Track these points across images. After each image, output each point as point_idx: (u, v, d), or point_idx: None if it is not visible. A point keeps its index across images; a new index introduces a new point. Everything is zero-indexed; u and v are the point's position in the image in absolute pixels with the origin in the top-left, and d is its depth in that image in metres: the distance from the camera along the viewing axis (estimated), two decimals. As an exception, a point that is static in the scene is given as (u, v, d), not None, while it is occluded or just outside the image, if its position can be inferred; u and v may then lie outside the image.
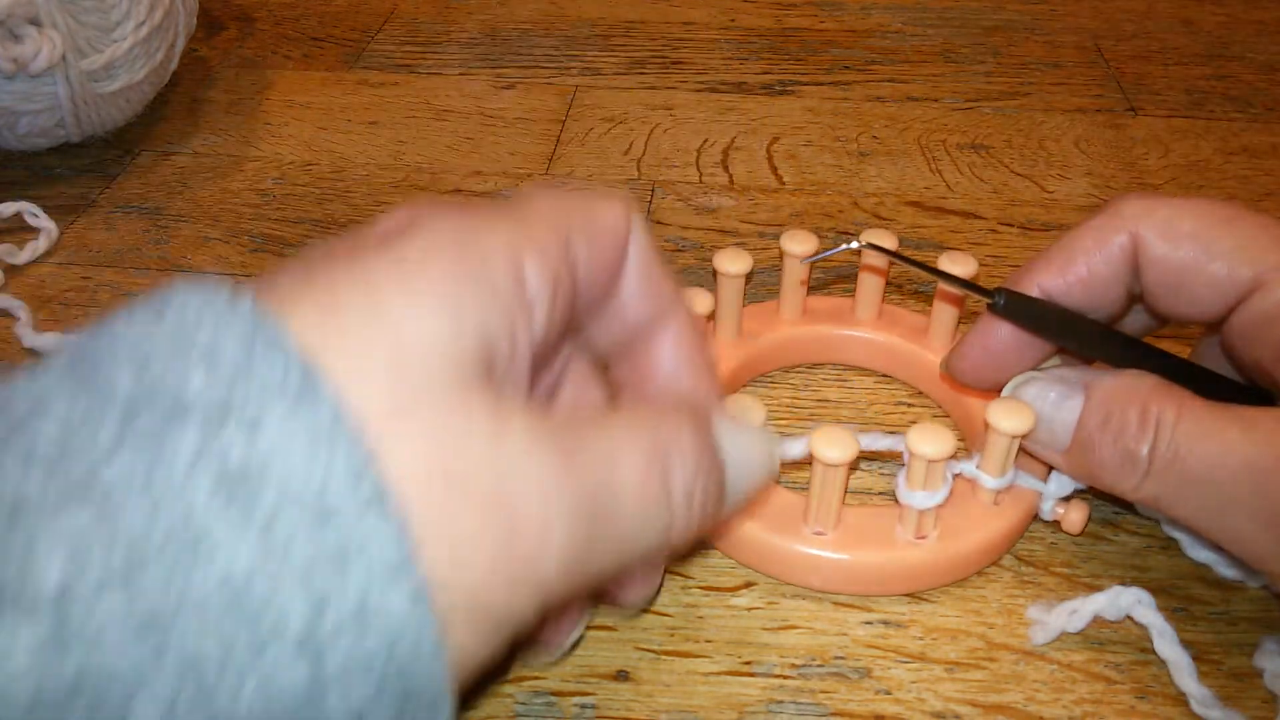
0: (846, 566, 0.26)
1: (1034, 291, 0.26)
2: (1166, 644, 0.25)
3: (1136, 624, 0.26)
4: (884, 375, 0.33)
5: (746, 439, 0.23)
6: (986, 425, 0.25)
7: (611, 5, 0.56)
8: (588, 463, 0.19)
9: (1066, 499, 0.27)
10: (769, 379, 0.33)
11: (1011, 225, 0.40)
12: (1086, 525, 0.27)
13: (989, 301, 0.25)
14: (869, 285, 0.32)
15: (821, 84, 0.49)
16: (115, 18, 0.41)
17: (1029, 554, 0.28)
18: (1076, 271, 0.26)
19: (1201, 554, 0.27)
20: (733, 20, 0.55)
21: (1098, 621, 0.26)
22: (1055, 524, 0.28)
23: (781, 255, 0.31)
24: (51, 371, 0.16)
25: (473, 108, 0.48)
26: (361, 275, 0.18)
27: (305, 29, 0.54)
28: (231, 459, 0.15)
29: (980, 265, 0.37)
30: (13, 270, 0.38)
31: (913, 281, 0.37)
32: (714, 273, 0.31)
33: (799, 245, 0.31)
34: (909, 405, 0.32)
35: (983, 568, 0.27)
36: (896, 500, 0.26)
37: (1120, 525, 0.28)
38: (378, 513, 0.16)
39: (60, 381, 0.16)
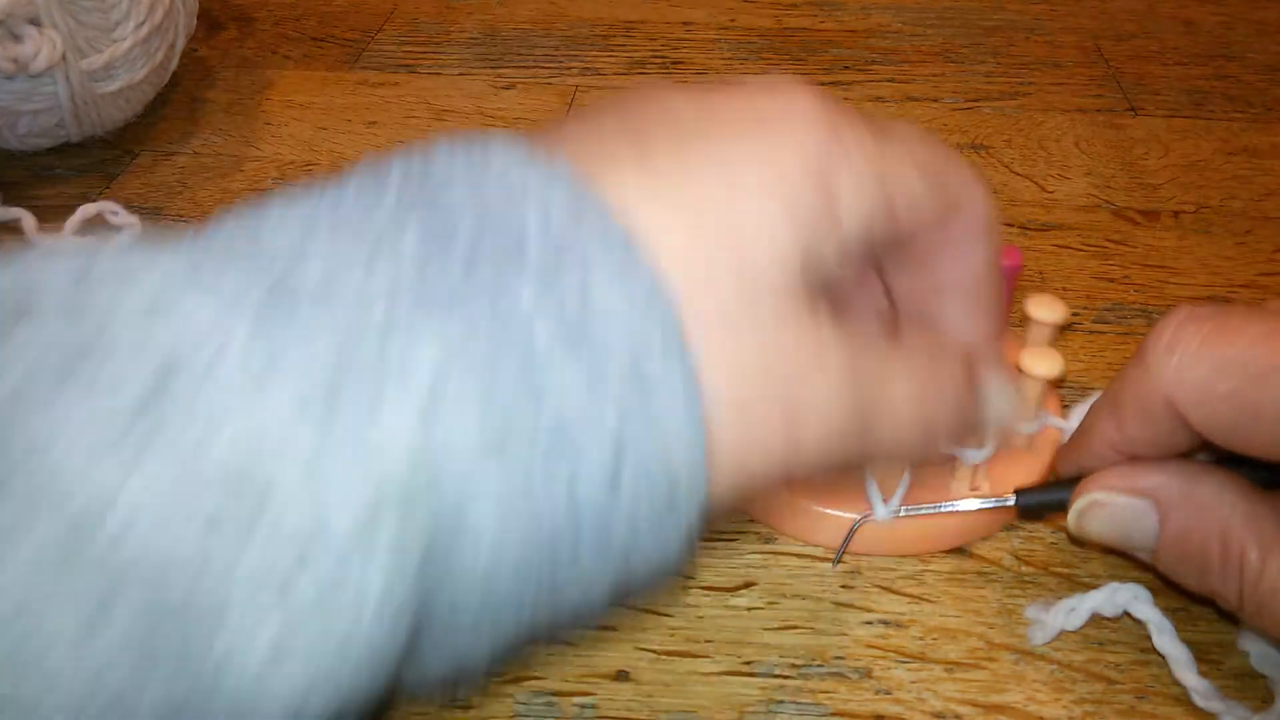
0: (909, 525, 0.27)
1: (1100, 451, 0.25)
2: (1165, 639, 0.25)
3: (1136, 624, 0.25)
4: None
5: (1000, 386, 0.24)
6: (1019, 370, 0.27)
7: (611, 5, 0.56)
8: (865, 394, 0.20)
9: None
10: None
11: (1012, 225, 0.40)
12: None
13: (1014, 493, 0.26)
14: None
15: (821, 84, 0.49)
16: (115, 17, 0.41)
17: (1029, 554, 0.28)
18: (1129, 443, 0.24)
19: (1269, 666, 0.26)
20: (732, 20, 0.55)
21: (1098, 622, 0.26)
22: (1055, 524, 0.28)
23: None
24: (390, 196, 0.18)
25: (473, 108, 0.48)
26: (723, 164, 0.19)
27: (305, 29, 0.54)
28: (566, 307, 0.17)
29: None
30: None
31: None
32: None
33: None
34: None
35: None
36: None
37: (1120, 525, 0.28)
38: (681, 379, 0.18)
39: (401, 205, 0.18)
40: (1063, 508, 0.25)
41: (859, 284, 0.25)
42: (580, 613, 0.20)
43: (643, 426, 0.18)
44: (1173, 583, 0.24)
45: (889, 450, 0.22)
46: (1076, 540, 0.26)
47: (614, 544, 0.18)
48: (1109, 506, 0.24)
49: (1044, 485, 0.27)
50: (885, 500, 0.27)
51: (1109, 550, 0.26)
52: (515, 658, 0.22)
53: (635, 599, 0.23)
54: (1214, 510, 0.22)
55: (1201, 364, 0.22)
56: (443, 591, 0.17)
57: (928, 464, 0.27)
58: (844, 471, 0.25)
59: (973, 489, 0.27)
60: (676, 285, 0.18)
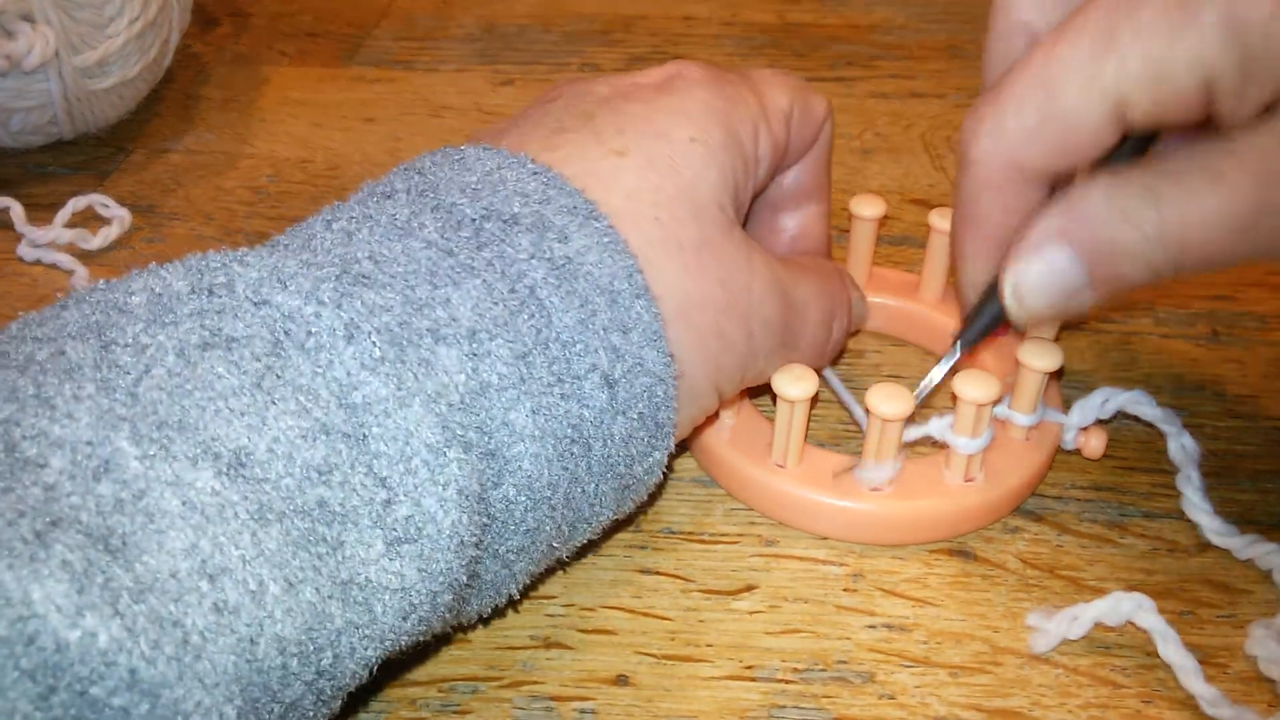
0: (902, 515, 0.27)
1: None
2: (1170, 648, 0.24)
3: (1142, 628, 0.25)
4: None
5: (856, 295, 0.30)
6: (1018, 364, 0.27)
7: (611, 0, 0.56)
8: (791, 309, 0.26)
9: (1086, 428, 0.29)
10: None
11: (1015, 222, 0.40)
12: (1105, 450, 0.29)
13: (954, 342, 0.27)
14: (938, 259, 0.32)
15: (824, 80, 0.49)
16: (109, 13, 0.40)
17: (1034, 557, 0.27)
18: (1015, 141, 0.24)
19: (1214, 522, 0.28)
20: (734, 15, 0.55)
21: (1102, 625, 0.25)
22: (1061, 526, 0.28)
23: (851, 219, 0.32)
24: (400, 198, 0.23)
25: (470, 104, 0.47)
26: (652, 130, 0.24)
27: (300, 25, 0.54)
28: (554, 256, 0.22)
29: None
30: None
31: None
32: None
33: (869, 209, 0.32)
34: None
35: (1022, 502, 0.28)
36: (933, 447, 0.27)
37: (1126, 528, 0.28)
38: (644, 301, 0.22)
39: (414, 206, 0.22)
40: (999, 320, 0.26)
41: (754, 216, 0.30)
42: (588, 530, 0.24)
43: (624, 348, 0.22)
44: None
45: (809, 346, 0.27)
46: (1026, 323, 0.24)
47: (612, 460, 0.22)
48: (1032, 266, 0.23)
49: (969, 317, 0.27)
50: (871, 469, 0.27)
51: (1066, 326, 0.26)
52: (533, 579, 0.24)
53: (624, 515, 0.25)
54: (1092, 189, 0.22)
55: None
56: (491, 526, 0.21)
57: (832, 361, 0.30)
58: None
59: (967, 480, 0.27)
60: (633, 226, 0.23)
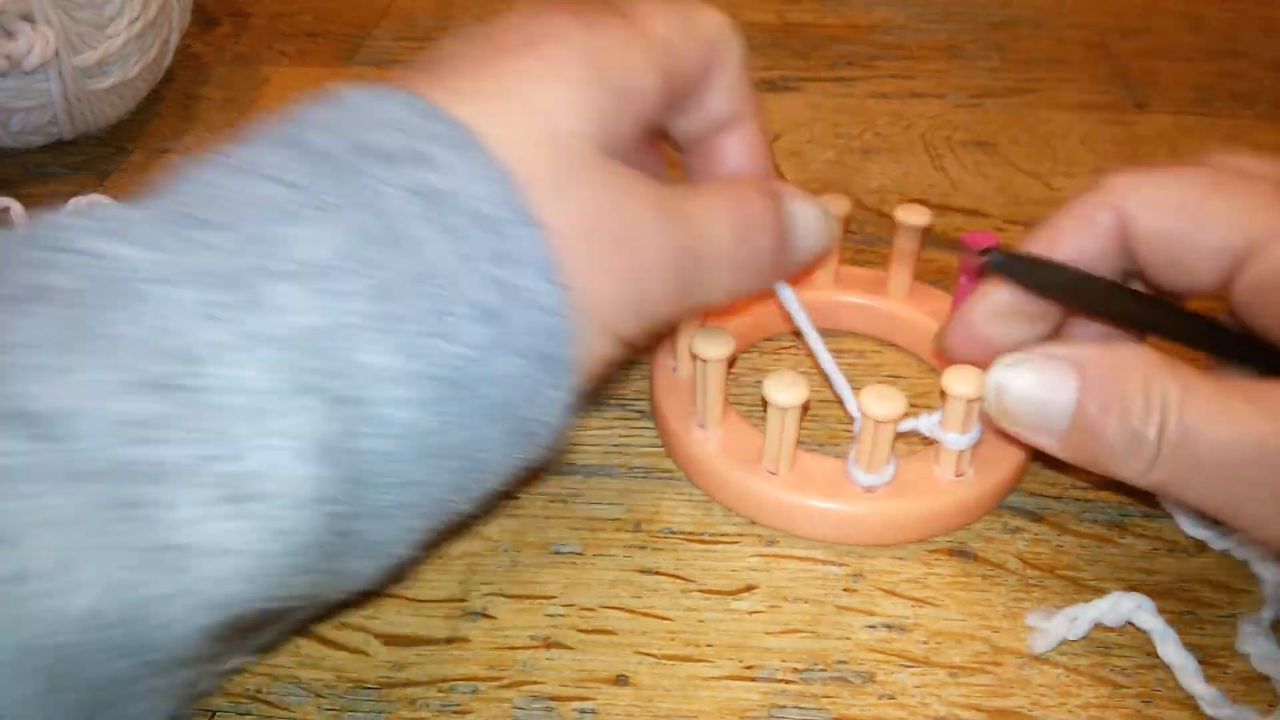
0: (896, 513, 0.27)
1: None
2: (1170, 648, 0.24)
3: (1140, 628, 0.25)
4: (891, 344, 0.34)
5: (808, 209, 0.27)
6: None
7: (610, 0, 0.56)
8: (692, 226, 0.24)
9: None
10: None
11: (1017, 223, 0.40)
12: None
13: (983, 260, 0.25)
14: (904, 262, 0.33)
15: (824, 80, 0.49)
16: (109, 13, 0.40)
17: (1034, 557, 0.27)
18: (1063, 252, 0.26)
19: (1198, 530, 0.27)
20: (734, 15, 0.54)
21: (1102, 625, 0.25)
22: (1061, 526, 0.28)
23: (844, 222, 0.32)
24: (266, 141, 0.21)
25: (471, 104, 0.47)
26: (514, 70, 0.23)
27: (300, 25, 0.54)
28: (422, 185, 0.20)
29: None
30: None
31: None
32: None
33: (837, 207, 0.31)
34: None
35: (1010, 493, 0.29)
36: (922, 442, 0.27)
37: (1126, 528, 0.28)
38: (526, 228, 0.21)
39: (275, 146, 0.21)
40: (1042, 279, 0.25)
41: (648, 151, 0.28)
42: (488, 479, 0.22)
43: (507, 280, 0.20)
44: (1087, 474, 0.25)
45: (723, 284, 0.25)
46: (995, 418, 0.24)
47: (503, 402, 0.21)
48: (1026, 369, 0.23)
49: (1031, 255, 0.26)
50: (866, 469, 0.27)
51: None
52: (433, 536, 0.23)
53: (533, 463, 0.23)
54: (1134, 359, 0.22)
55: (1155, 178, 0.25)
56: (359, 479, 0.19)
57: (755, 297, 0.30)
58: (688, 312, 0.28)
59: (958, 475, 0.27)
60: (503, 160, 0.21)
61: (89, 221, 0.19)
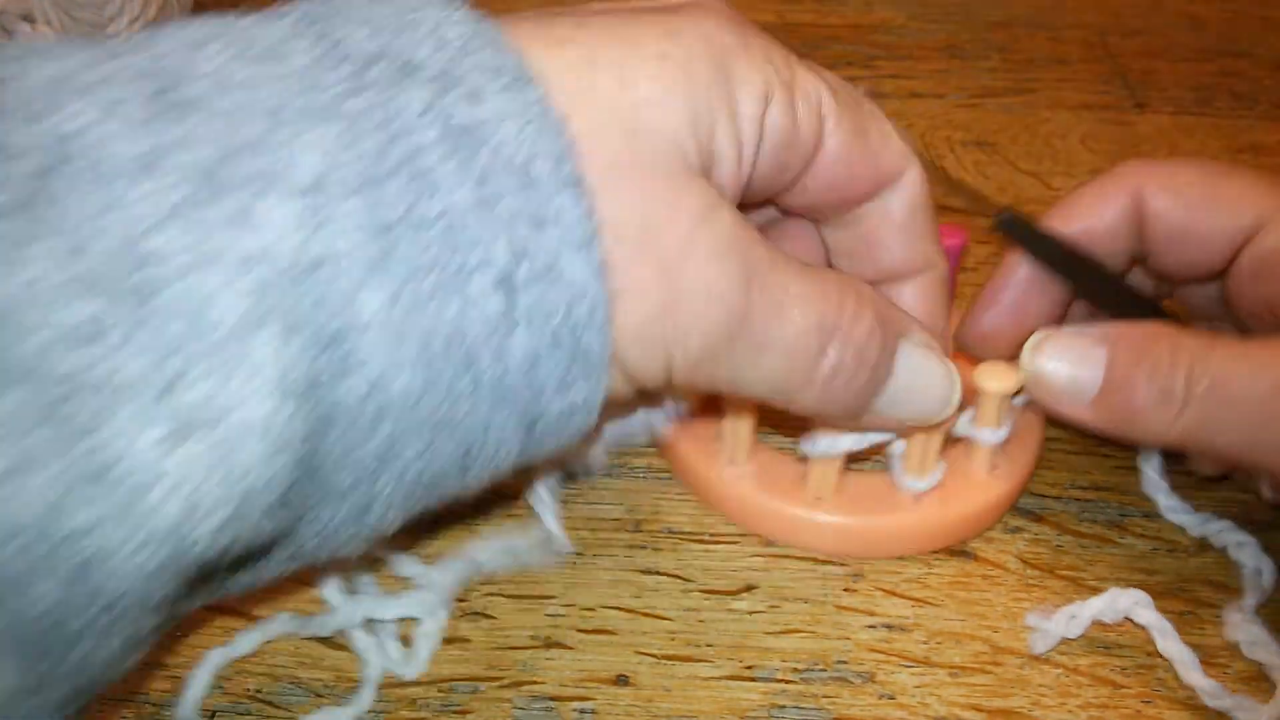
0: (951, 515, 0.27)
1: None
2: (1169, 642, 0.24)
3: (1142, 628, 0.25)
4: None
5: (930, 369, 0.23)
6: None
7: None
8: (761, 294, 0.20)
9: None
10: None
11: (1016, 223, 0.40)
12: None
13: (993, 220, 0.26)
14: None
15: (823, 80, 0.49)
16: (109, 13, 0.40)
17: (1034, 557, 0.27)
18: (1077, 224, 0.26)
19: (1179, 517, 0.28)
20: (734, 16, 0.55)
21: (1103, 625, 0.25)
22: (1060, 526, 0.28)
23: None
24: (286, 20, 0.18)
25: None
26: (619, 32, 0.20)
27: (303, 25, 0.54)
28: (456, 117, 0.17)
29: (983, 263, 0.36)
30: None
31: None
32: None
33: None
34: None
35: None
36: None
37: (1126, 528, 0.28)
38: (573, 193, 0.18)
39: (296, 29, 0.18)
40: (1045, 250, 0.26)
41: (793, 233, 0.26)
42: (487, 464, 0.19)
43: (535, 247, 0.18)
44: (1112, 440, 0.26)
45: (770, 382, 0.21)
46: (1029, 389, 0.25)
47: (510, 384, 0.18)
48: (1060, 339, 0.24)
49: (1038, 226, 0.27)
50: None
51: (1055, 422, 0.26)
52: (425, 512, 0.20)
53: (547, 456, 0.21)
54: (1159, 327, 0.24)
55: (1169, 163, 0.26)
56: (334, 424, 0.17)
57: (822, 416, 0.24)
58: (721, 389, 0.22)
59: (993, 469, 0.27)
60: (587, 153, 0.18)
61: (47, 66, 0.16)
